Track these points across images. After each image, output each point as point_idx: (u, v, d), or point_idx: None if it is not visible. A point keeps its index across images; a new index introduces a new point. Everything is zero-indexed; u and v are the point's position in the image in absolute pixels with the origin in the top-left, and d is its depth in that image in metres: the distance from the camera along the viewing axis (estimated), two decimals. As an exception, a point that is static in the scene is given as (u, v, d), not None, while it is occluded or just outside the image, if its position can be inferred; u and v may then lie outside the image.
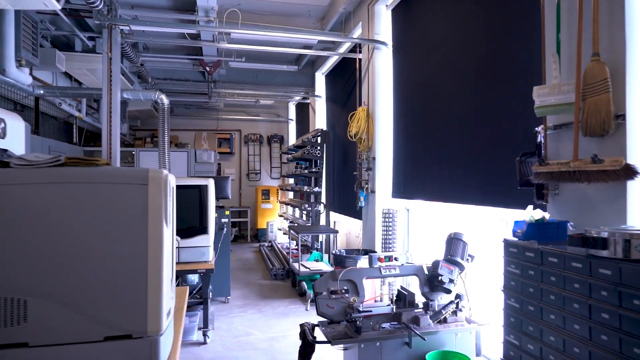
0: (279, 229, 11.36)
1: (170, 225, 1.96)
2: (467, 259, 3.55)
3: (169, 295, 1.97)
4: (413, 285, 5.04)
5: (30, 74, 5.91)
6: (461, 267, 3.49)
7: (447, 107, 4.55)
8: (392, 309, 3.45)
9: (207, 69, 8.18)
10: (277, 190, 12.35)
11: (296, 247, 8.66)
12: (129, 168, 1.93)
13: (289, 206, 10.18)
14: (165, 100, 5.96)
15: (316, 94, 9.59)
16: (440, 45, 4.71)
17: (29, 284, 1.78)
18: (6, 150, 3.01)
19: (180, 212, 4.64)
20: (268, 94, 10.02)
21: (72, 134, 9.15)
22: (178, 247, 4.48)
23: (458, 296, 3.44)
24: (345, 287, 3.40)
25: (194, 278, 5.79)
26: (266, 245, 11.09)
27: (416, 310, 3.45)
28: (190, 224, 4.67)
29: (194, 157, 8.93)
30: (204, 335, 4.62)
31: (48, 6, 4.12)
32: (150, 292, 1.86)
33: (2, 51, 4.50)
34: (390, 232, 5.62)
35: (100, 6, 5.05)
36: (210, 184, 4.64)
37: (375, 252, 5.67)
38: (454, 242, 3.57)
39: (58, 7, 4.14)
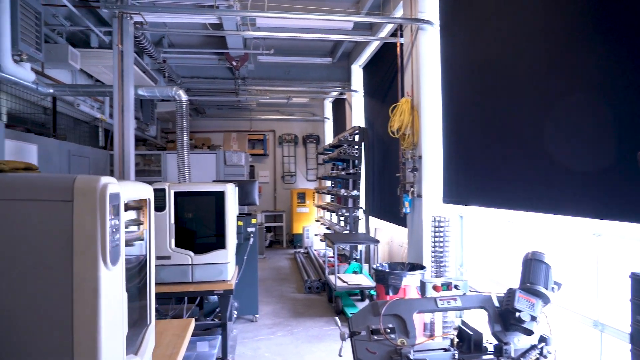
0: (316, 235, 10.65)
1: (118, 262, 1.26)
2: (552, 288, 2.68)
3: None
4: (474, 316, 4.17)
5: (42, 72, 5.50)
6: (545, 299, 2.62)
7: (517, 90, 3.66)
8: (454, 355, 2.63)
9: (234, 63, 7.57)
10: (314, 193, 11.65)
11: (332, 257, 7.93)
12: (48, 176, 1.24)
13: (326, 211, 9.45)
14: (183, 96, 5.37)
15: (353, 88, 8.81)
16: (507, 14, 3.82)
17: None
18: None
19: (193, 224, 4.00)
20: (301, 89, 9.33)
21: (98, 137, 8.83)
22: (191, 265, 3.84)
23: (543, 339, 2.58)
24: (390, 325, 2.61)
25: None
26: (302, 252, 10.41)
27: (485, 357, 2.61)
28: (206, 237, 4.02)
29: (224, 160, 8.38)
30: (223, 366, 3.96)
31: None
32: (78, 371, 1.16)
33: (-4, 44, 4.02)
34: (440, 245, 4.76)
35: (108, -8, 4.52)
36: (229, 189, 3.97)
37: (424, 267, 4.84)
38: (533, 265, 2.71)
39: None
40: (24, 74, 4.37)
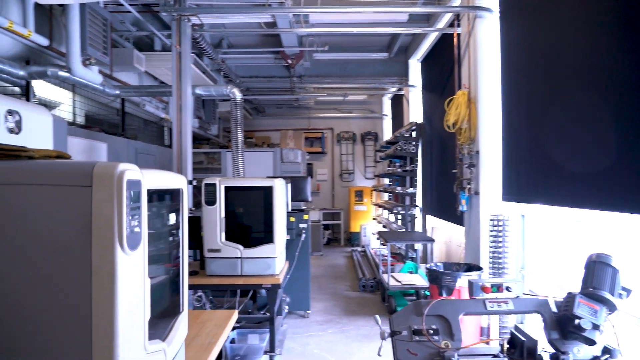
0: (373, 233, 10.51)
1: (138, 248, 1.28)
2: (620, 295, 2.40)
3: (135, 356, 1.29)
4: (530, 321, 3.88)
5: (111, 75, 5.87)
6: (611, 307, 2.36)
7: (589, 79, 3.35)
8: (503, 361, 2.45)
9: (289, 61, 7.65)
10: (371, 191, 11.51)
11: (387, 255, 7.79)
12: (67, 162, 1.28)
13: (382, 209, 9.29)
14: (238, 95, 5.50)
15: (410, 83, 8.57)
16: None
17: None
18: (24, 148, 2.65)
19: (243, 218, 4.07)
20: (357, 86, 9.23)
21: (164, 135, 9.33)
22: (240, 258, 3.90)
23: (607, 350, 2.32)
24: (433, 326, 2.48)
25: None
26: (359, 250, 10.32)
27: (539, 366, 2.40)
28: (255, 231, 4.08)
29: (280, 157, 8.51)
30: (271, 359, 3.99)
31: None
32: (95, 353, 1.19)
33: (67, 49, 4.33)
34: (499, 245, 4.48)
35: (167, -4, 4.73)
36: (277, 185, 3.99)
37: (481, 268, 4.58)
38: (597, 269, 2.45)
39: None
40: (92, 76, 4.68)
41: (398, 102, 10.47)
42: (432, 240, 5.85)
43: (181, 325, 1.77)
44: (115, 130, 7.96)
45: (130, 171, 1.23)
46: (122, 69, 5.95)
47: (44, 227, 1.18)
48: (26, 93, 4.69)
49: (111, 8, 5.50)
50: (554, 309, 2.52)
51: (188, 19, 5.21)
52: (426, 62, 8.04)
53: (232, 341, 4.39)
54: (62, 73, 4.41)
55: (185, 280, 1.85)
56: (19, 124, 2.42)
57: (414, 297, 6.18)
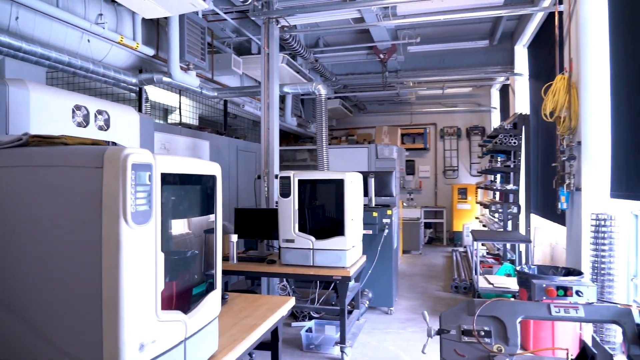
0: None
1: (146, 224, 1.43)
2: None
3: (145, 320, 1.44)
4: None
5: (212, 79, 6.42)
6: None
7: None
8: (565, 373, 2.17)
9: (381, 56, 7.57)
10: (475, 188, 10.85)
11: (477, 255, 7.35)
12: (86, 147, 1.47)
13: (483, 207, 8.72)
14: (322, 91, 5.63)
15: (516, 71, 7.89)
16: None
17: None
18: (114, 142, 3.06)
19: (315, 210, 4.17)
20: (457, 77, 8.77)
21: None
22: (312, 249, 4.01)
23: (700, 373, 1.93)
24: (485, 328, 2.30)
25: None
26: (460, 250, 9.82)
27: (611, 384, 2.09)
28: (326, 223, 4.15)
29: (375, 153, 8.47)
30: (342, 351, 4.03)
31: (197, 7, 4.21)
32: (105, 316, 1.36)
33: (168, 56, 4.87)
34: (603, 248, 3.94)
35: (255, 2, 5.04)
36: (348, 178, 4.02)
37: (581, 273, 4.07)
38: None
39: (205, 6, 4.19)
40: (190, 80, 5.19)
41: (505, 94, 9.72)
42: (527, 241, 5.34)
43: (211, 302, 1.90)
44: (230, 131, 8.71)
45: (135, 155, 1.38)
46: (222, 72, 6.48)
47: (67, 202, 1.39)
48: (139, 98, 5.37)
49: (211, 17, 6.02)
50: (637, 319, 2.18)
51: (276, 21, 5.49)
52: (532, 47, 7.34)
53: (309, 330, 4.53)
54: (165, 78, 4.97)
55: (218, 260, 1.99)
56: (107, 122, 2.81)
57: (511, 303, 5.71)
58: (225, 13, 5.71)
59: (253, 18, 5.36)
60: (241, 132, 9.92)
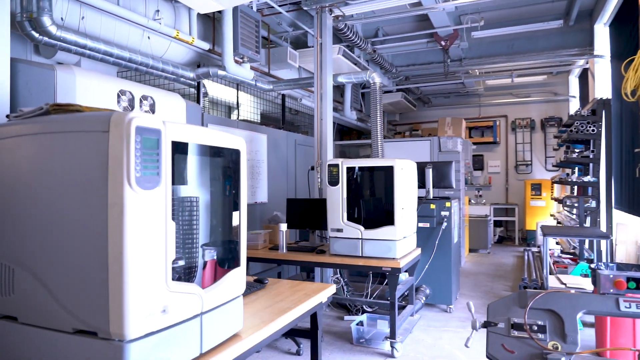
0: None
1: (153, 189, 1.40)
2: None
3: (153, 289, 1.42)
4: None
5: (269, 73, 6.49)
6: None
7: None
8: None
9: (443, 43, 7.21)
10: (551, 183, 10.04)
11: (558, 255, 6.76)
12: (95, 112, 1.48)
13: (558, 202, 8.03)
14: (377, 79, 5.47)
15: (595, 53, 7.15)
16: None
17: (10, 251, 1.56)
18: (74, 104, 3.13)
19: (364, 199, 4.04)
20: (529, 63, 8.14)
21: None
22: (361, 239, 3.88)
23: None
24: (539, 322, 2.04)
25: (402, 278, 5.04)
26: (534, 250, 9.12)
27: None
28: (375, 213, 4.00)
29: (438, 146, 8.14)
30: (392, 346, 3.86)
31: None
32: (111, 279, 1.36)
33: (222, 49, 4.97)
34: (697, 243, 3.41)
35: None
36: (399, 165, 3.83)
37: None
38: None
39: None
40: (244, 73, 5.26)
41: (585, 80, 8.87)
42: (605, 237, 4.78)
43: (234, 279, 1.85)
44: (290, 127, 8.80)
45: (140, 119, 1.36)
46: (278, 66, 6.52)
47: (79, 166, 1.40)
48: (197, 93, 5.55)
49: (267, 11, 6.08)
50: None
51: (329, 10, 5.41)
52: (615, 24, 6.61)
53: (360, 324, 4.40)
54: (220, 72, 5.08)
55: (243, 237, 1.94)
56: (152, 107, 2.89)
57: (588, 306, 5.17)
58: (279, 6, 5.74)
59: (305, 8, 5.33)
60: (303, 128, 9.97)
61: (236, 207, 1.93)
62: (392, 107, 10.87)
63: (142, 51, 4.66)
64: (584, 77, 9.15)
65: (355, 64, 7.19)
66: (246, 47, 5.19)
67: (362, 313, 4.86)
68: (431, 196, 5.30)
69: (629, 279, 1.98)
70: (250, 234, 4.44)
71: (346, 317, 4.90)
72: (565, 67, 9.08)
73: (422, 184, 5.27)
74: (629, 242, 5.53)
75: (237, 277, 1.89)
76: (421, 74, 9.04)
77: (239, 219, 1.93)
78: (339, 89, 8.79)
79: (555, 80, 10.64)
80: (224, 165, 1.87)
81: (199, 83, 5.51)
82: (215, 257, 1.78)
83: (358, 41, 6.80)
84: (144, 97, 2.81)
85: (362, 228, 3.89)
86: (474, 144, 10.98)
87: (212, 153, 1.78)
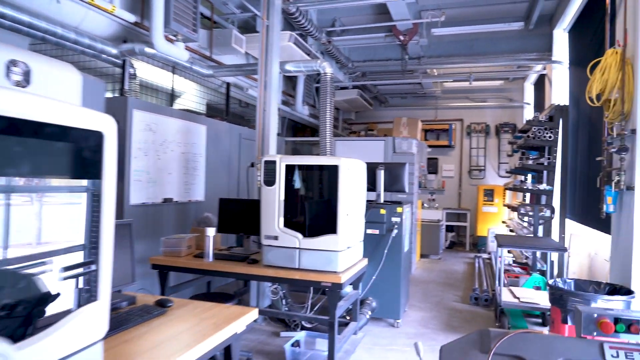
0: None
1: None
2: None
3: None
4: None
5: (210, 57, 5.83)
6: None
7: None
8: None
9: (402, 38, 6.83)
10: (503, 190, 9.95)
11: (509, 264, 6.57)
12: None
13: (511, 210, 7.87)
14: (328, 69, 4.97)
15: (554, 59, 6.99)
16: None
17: None
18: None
19: (304, 202, 3.51)
20: (488, 65, 7.93)
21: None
22: (299, 249, 3.35)
23: None
24: (504, 372, 1.59)
25: (347, 290, 4.56)
26: (484, 257, 8.97)
27: None
28: (316, 218, 3.49)
29: (392, 147, 7.75)
30: (329, 373, 3.36)
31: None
32: None
33: (150, 23, 4.29)
34: (662, 262, 3.13)
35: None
36: (345, 165, 3.34)
37: (632, 292, 3.29)
38: None
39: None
40: (177, 52, 4.60)
41: (541, 88, 8.79)
42: (562, 250, 4.53)
43: (80, 323, 1.27)
44: (239, 120, 8.13)
45: None
46: (222, 51, 5.89)
47: None
48: (122, 72, 4.84)
49: (210, -12, 5.44)
50: None
51: (277, -11, 4.85)
52: (575, 30, 6.46)
53: (296, 344, 3.87)
54: (148, 49, 4.41)
55: (106, 257, 1.36)
56: (27, 76, 2.22)
57: (540, 320, 4.92)
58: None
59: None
60: (254, 122, 9.34)
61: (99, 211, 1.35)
62: (348, 104, 10.44)
63: (52, 17, 3.93)
64: (540, 84, 9.09)
65: (307, 54, 6.66)
66: (180, 24, 4.53)
67: (301, 329, 4.34)
68: (382, 200, 4.87)
69: (617, 320, 1.56)
70: (171, 238, 3.81)
71: (282, 334, 4.36)
72: (522, 72, 8.97)
73: (372, 186, 4.82)
74: (582, 255, 5.33)
75: (89, 319, 1.30)
76: (378, 71, 8.64)
77: (100, 234, 1.34)
78: (291, 82, 8.23)
79: (511, 87, 10.59)
80: (73, 151, 1.29)
81: (124, 61, 4.79)
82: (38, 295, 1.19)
83: (312, 30, 6.28)
84: (13, 63, 2.14)
85: (300, 236, 3.36)
86: (429, 146, 10.74)
87: (51, 134, 1.19)
